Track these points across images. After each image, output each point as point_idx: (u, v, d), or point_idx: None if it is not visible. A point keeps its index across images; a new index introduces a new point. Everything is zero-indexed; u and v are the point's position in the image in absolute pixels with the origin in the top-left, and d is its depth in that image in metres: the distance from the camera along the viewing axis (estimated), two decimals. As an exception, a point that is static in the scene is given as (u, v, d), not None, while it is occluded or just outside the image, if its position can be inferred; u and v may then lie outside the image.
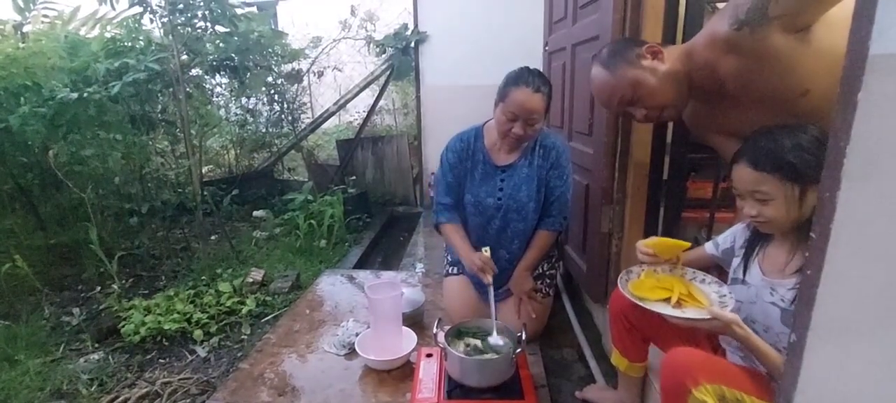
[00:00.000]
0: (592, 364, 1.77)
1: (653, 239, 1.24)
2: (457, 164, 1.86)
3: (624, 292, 1.14)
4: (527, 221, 1.81)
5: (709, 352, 1.16)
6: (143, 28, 3.12)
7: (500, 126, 1.71)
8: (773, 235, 1.06)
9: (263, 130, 4.70)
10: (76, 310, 2.36)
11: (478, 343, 1.53)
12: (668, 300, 1.09)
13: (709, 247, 1.26)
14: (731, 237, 1.20)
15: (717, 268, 1.25)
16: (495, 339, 1.53)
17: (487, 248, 1.72)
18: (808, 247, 0.57)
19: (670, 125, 1.58)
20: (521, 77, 1.65)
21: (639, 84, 1.22)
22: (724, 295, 1.09)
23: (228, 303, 2.32)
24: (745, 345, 0.97)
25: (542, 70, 2.47)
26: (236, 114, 4.61)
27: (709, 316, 0.99)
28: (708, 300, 1.08)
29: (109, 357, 1.98)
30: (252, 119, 4.64)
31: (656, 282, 1.16)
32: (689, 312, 1.03)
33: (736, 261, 1.14)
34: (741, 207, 1.03)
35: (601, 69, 1.28)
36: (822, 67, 0.95)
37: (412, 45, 3.79)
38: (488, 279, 1.66)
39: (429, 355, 1.58)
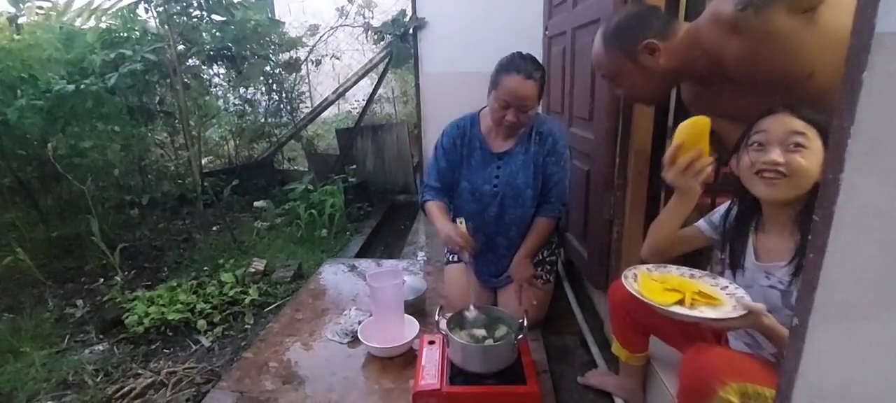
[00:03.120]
0: (594, 349, 1.78)
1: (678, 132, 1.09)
2: (451, 150, 1.85)
3: (639, 297, 1.03)
4: (524, 208, 1.81)
5: (718, 345, 1.15)
6: (139, 18, 3.09)
7: (493, 113, 1.70)
8: (765, 219, 1.05)
9: (262, 120, 4.68)
10: (80, 302, 2.38)
11: (480, 331, 1.53)
12: (681, 301, 1.02)
13: (704, 226, 1.20)
14: (722, 217, 1.17)
15: (716, 262, 1.23)
16: (472, 313, 1.55)
17: (462, 220, 1.67)
18: (812, 229, 0.56)
19: (672, 109, 1.57)
20: (513, 63, 1.63)
21: (624, 75, 1.25)
22: (726, 286, 1.04)
23: (231, 293, 2.33)
24: (771, 335, 0.93)
25: (541, 54, 2.46)
26: (235, 105, 4.58)
27: (743, 312, 0.92)
28: (715, 293, 1.02)
29: (114, 348, 1.99)
30: (251, 109, 4.61)
31: (659, 284, 1.08)
32: (724, 311, 0.96)
33: (727, 246, 1.13)
34: (754, 161, 0.96)
35: (600, 42, 1.28)
36: (829, 49, 0.92)
37: (411, 31, 3.75)
38: (466, 256, 1.65)
39: (431, 342, 1.59)
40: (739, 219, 1.11)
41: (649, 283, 1.09)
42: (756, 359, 1.02)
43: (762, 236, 1.05)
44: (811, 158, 0.92)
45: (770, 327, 0.92)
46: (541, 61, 2.06)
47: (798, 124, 0.92)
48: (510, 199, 1.80)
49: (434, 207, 1.83)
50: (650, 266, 1.18)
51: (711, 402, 0.92)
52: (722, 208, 1.19)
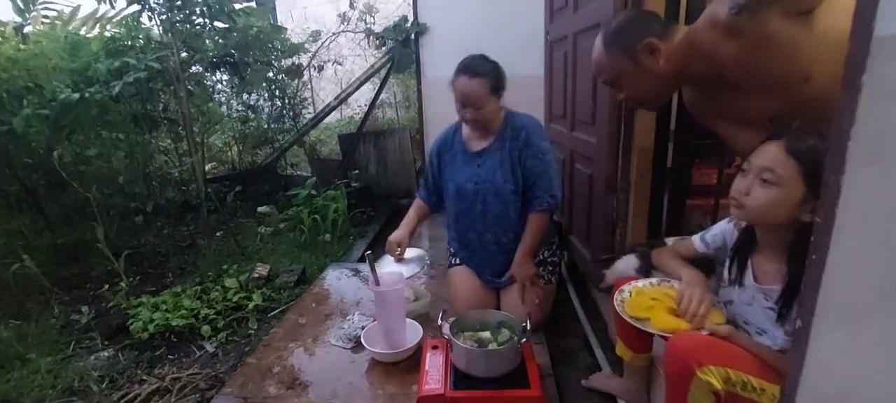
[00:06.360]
0: (598, 352, 1.77)
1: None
2: (435, 157, 2.01)
3: (625, 317, 1.16)
4: (506, 203, 1.84)
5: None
6: (142, 26, 3.12)
7: (458, 114, 1.84)
8: (762, 242, 1.08)
9: (265, 126, 4.70)
10: (85, 309, 2.39)
11: (485, 334, 1.53)
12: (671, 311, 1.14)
13: (698, 244, 1.27)
14: (720, 236, 1.22)
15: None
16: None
17: (369, 252, 1.77)
18: (814, 230, 0.56)
19: (674, 111, 1.57)
20: (462, 65, 1.79)
21: (624, 76, 1.26)
22: (717, 304, 1.13)
23: (235, 299, 2.34)
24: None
25: (543, 59, 2.46)
26: (238, 111, 4.61)
27: (707, 333, 1.03)
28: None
29: (119, 354, 2.00)
30: (254, 115, 4.64)
31: (650, 299, 1.19)
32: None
33: (728, 263, 1.16)
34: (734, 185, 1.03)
35: (600, 44, 1.29)
36: (825, 53, 0.92)
37: (412, 37, 3.76)
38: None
39: (435, 347, 1.59)
40: (741, 239, 1.14)
41: (640, 300, 1.20)
42: (745, 351, 1.01)
43: (759, 258, 1.09)
44: (773, 195, 0.95)
45: (742, 344, 1.00)
46: (542, 65, 2.06)
47: (779, 160, 0.94)
48: (491, 195, 1.85)
49: (414, 205, 2.07)
50: (653, 279, 1.28)
51: (692, 385, 0.93)
52: (718, 227, 1.23)
